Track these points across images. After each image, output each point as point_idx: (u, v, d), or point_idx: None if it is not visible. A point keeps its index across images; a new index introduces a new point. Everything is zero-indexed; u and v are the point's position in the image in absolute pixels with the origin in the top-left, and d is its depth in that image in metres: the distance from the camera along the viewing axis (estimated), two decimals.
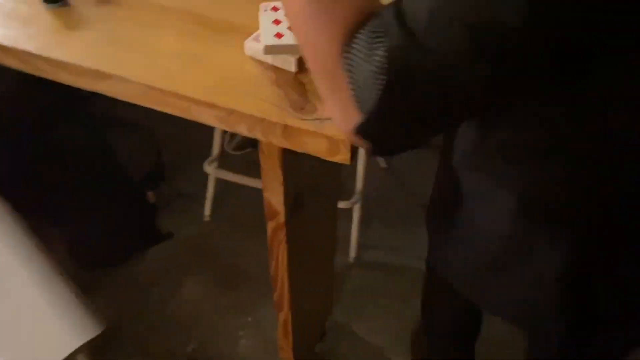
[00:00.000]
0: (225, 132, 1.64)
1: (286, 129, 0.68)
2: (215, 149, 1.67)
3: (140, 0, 0.84)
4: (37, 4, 0.83)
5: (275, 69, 0.73)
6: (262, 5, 0.76)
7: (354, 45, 0.46)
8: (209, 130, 1.90)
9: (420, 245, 1.73)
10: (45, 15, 0.82)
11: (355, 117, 0.48)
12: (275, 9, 0.75)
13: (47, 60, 0.75)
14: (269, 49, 0.71)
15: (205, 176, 1.70)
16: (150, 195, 1.76)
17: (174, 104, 0.72)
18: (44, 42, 0.77)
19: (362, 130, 0.49)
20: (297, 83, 0.72)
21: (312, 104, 0.69)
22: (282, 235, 1.07)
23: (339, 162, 0.67)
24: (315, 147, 0.68)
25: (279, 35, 0.71)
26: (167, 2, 0.84)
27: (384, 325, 1.50)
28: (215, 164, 1.67)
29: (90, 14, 0.82)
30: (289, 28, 0.72)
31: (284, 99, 0.70)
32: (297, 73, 0.73)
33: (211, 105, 0.70)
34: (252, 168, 1.68)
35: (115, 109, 1.87)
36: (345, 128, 0.51)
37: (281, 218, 1.03)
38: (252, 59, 0.75)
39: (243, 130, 0.71)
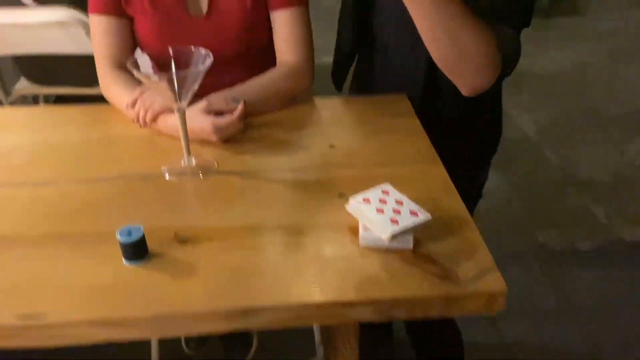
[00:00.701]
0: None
1: (447, 299, 0.75)
2: None
3: (212, 230, 0.84)
4: (121, 267, 0.76)
5: (393, 251, 0.81)
6: (352, 200, 0.83)
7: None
8: None
9: None
10: (137, 274, 0.76)
11: (497, 69, 0.89)
12: (367, 200, 0.84)
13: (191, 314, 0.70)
14: (394, 236, 0.78)
15: None
16: None
17: (333, 313, 0.73)
18: (162, 298, 0.72)
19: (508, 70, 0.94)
20: (421, 256, 0.80)
21: (452, 271, 0.78)
22: None
23: (495, 310, 0.77)
24: (474, 306, 0.76)
25: (394, 221, 0.80)
26: (245, 221, 0.86)
27: None
28: None
29: (183, 260, 0.78)
30: (399, 202, 0.82)
31: (425, 273, 0.77)
32: (414, 248, 0.81)
33: (371, 302, 0.74)
34: None
35: None
36: (492, 79, 0.90)
37: None
38: (367, 248, 0.81)
39: (402, 314, 0.75)
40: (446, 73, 0.91)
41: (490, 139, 1.29)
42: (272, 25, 1.19)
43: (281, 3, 1.16)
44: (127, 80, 1.13)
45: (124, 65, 1.16)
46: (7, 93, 1.94)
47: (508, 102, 3.23)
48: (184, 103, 0.90)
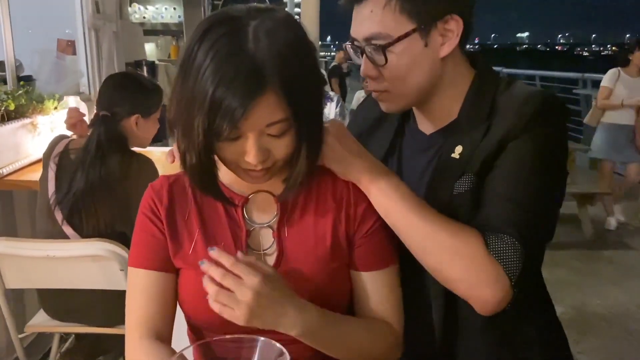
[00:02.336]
0: None
1: None
2: None
3: None
4: None
5: None
6: None
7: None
8: None
9: None
10: None
11: (495, 278, 0.85)
12: None
13: None
14: None
15: None
16: None
17: None
18: None
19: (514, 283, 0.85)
20: None
21: None
22: None
23: None
24: None
25: None
26: None
27: None
28: None
29: None
30: None
31: None
32: None
33: None
34: None
35: None
36: (497, 292, 0.85)
37: None
38: None
39: None
40: (446, 286, 0.91)
41: None
42: (359, 286, 0.94)
43: (376, 263, 0.93)
44: (162, 358, 0.86)
45: (160, 336, 0.90)
46: (20, 330, 1.70)
47: (575, 348, 2.87)
48: None
